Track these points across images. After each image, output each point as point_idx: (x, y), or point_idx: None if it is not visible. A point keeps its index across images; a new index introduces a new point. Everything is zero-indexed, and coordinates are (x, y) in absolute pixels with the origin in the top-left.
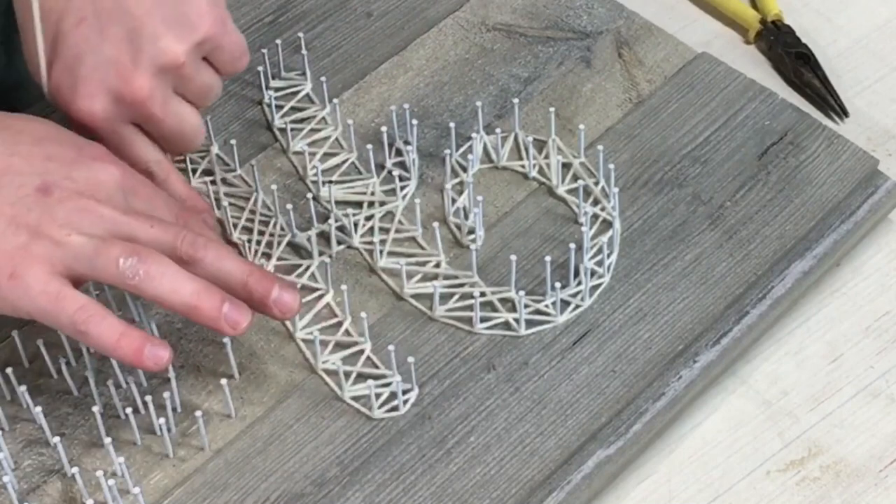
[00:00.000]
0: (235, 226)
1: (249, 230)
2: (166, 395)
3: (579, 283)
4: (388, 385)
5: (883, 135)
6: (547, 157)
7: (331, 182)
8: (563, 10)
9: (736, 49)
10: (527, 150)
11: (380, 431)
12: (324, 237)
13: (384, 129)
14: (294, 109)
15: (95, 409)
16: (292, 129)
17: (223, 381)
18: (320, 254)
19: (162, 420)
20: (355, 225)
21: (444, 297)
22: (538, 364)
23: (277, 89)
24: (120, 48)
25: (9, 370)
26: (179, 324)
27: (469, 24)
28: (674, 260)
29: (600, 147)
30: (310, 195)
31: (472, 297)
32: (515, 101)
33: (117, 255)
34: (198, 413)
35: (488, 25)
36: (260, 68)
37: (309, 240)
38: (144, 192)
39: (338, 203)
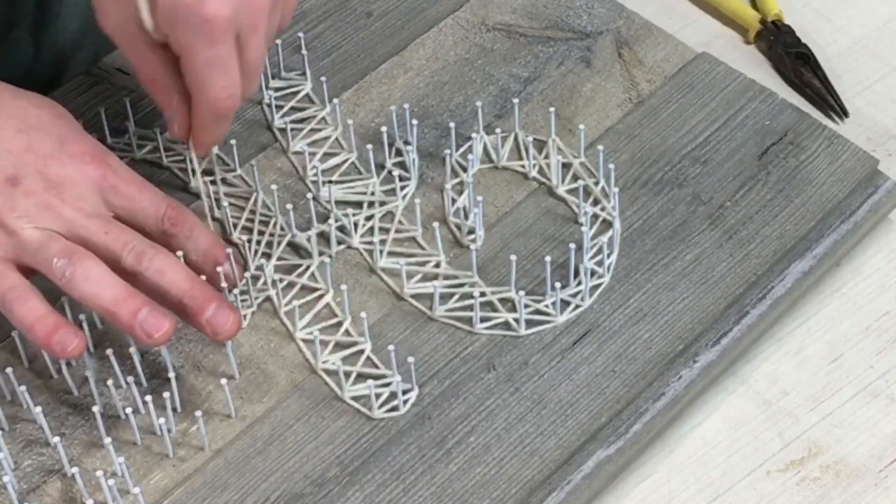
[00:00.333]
0: (235, 226)
1: (249, 230)
2: (166, 395)
3: (579, 283)
4: (388, 385)
5: (883, 135)
6: (547, 157)
7: (331, 182)
8: (563, 10)
9: (736, 49)
10: (527, 150)
11: (380, 431)
12: (324, 237)
13: (384, 129)
14: (294, 109)
15: (95, 409)
16: (292, 129)
17: (223, 381)
18: (320, 254)
19: (162, 420)
20: (355, 225)
21: (444, 297)
22: (538, 364)
23: (277, 89)
24: None
25: (9, 370)
26: (179, 324)
27: (469, 24)
28: (674, 260)
29: (600, 147)
30: (310, 195)
31: (471, 297)
32: (515, 101)
33: (53, 254)
34: (198, 413)
35: (488, 25)
36: None
37: (309, 240)
38: (127, 190)
39: (338, 203)
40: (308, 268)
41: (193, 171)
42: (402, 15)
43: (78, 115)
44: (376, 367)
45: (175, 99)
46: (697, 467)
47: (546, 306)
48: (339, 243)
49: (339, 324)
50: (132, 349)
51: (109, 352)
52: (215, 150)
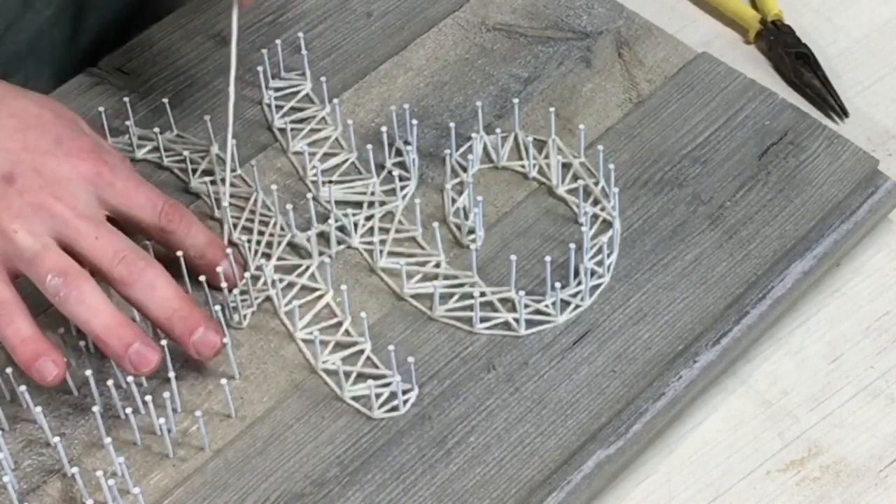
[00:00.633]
0: (235, 226)
1: (249, 230)
2: (166, 395)
3: (579, 283)
4: (387, 385)
5: (883, 135)
6: (547, 157)
7: (331, 182)
8: (563, 11)
9: (736, 49)
10: (527, 150)
11: (380, 431)
12: (323, 237)
13: (384, 129)
14: (294, 109)
15: (95, 409)
16: (292, 130)
17: (223, 381)
18: (320, 254)
19: (162, 420)
20: (355, 225)
21: (444, 297)
22: (538, 364)
23: (277, 89)
24: None
25: (9, 370)
26: None
27: (469, 24)
28: (674, 260)
29: (600, 147)
30: (309, 195)
31: (471, 297)
32: (515, 101)
33: (48, 270)
34: (198, 413)
35: (488, 25)
36: (260, 68)
37: (309, 240)
38: (122, 187)
39: (337, 203)
40: (308, 268)
41: (193, 171)
42: (402, 15)
43: (78, 115)
44: (376, 367)
45: None
46: (697, 467)
47: (546, 306)
48: (339, 243)
49: (339, 324)
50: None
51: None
52: (215, 150)
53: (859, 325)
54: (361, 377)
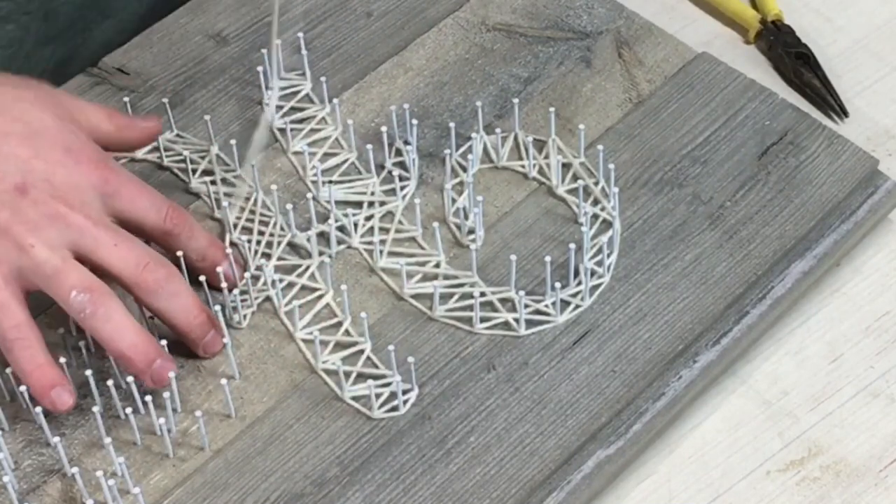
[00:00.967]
0: (235, 226)
1: (249, 230)
2: (166, 395)
3: (579, 283)
4: (387, 385)
5: (883, 135)
6: (547, 157)
7: (331, 182)
8: (563, 11)
9: (736, 49)
10: (527, 150)
11: (380, 431)
12: (323, 237)
13: (384, 129)
14: (294, 109)
15: (96, 409)
16: (292, 130)
17: (223, 381)
18: (320, 254)
19: (162, 420)
20: (355, 225)
21: (444, 297)
22: (538, 364)
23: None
24: None
25: (9, 370)
26: None
27: (469, 24)
28: (674, 260)
29: (600, 147)
30: (309, 195)
31: (471, 296)
32: (515, 101)
33: (71, 286)
34: (198, 413)
35: (488, 25)
36: (260, 68)
37: (309, 240)
38: (128, 193)
39: (337, 203)
40: (308, 268)
41: (193, 171)
42: (402, 15)
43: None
44: (376, 367)
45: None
46: (697, 467)
47: (546, 306)
48: (339, 243)
49: (339, 324)
50: None
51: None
52: (215, 150)
53: (859, 325)
54: (361, 377)
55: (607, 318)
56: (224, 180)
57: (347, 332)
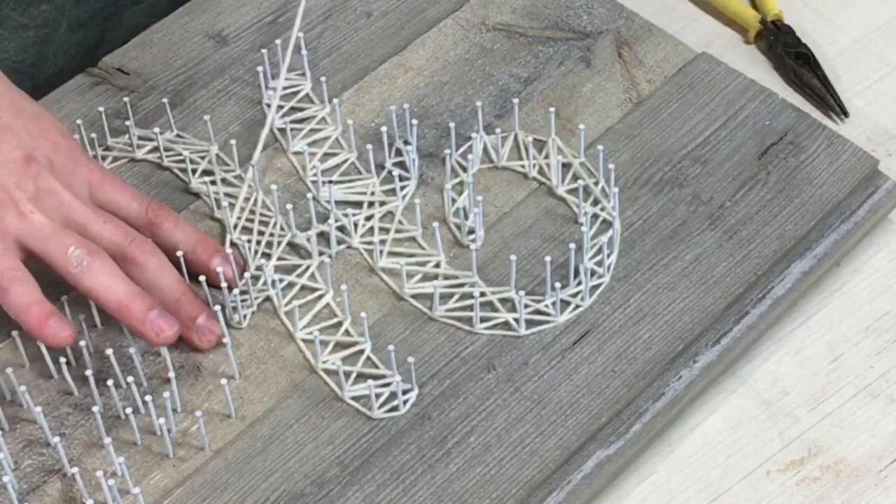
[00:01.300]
0: (235, 226)
1: (249, 230)
2: (166, 395)
3: (579, 283)
4: (387, 385)
5: (883, 135)
6: (547, 157)
7: (331, 182)
8: (563, 11)
9: (736, 49)
10: (527, 150)
11: (380, 431)
12: (323, 237)
13: (384, 128)
14: (294, 109)
15: (95, 409)
16: (292, 130)
17: (223, 381)
18: (320, 254)
19: (162, 420)
20: (355, 225)
21: (444, 297)
22: (538, 364)
23: (276, 88)
24: None
25: (9, 370)
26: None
27: (469, 24)
28: (674, 260)
29: (600, 147)
30: (310, 195)
31: (471, 296)
32: (515, 101)
33: (69, 244)
34: (198, 413)
35: (488, 25)
36: (260, 68)
37: (309, 240)
38: (112, 185)
39: (337, 203)
40: (308, 268)
41: (193, 171)
42: (402, 15)
43: (78, 115)
44: (376, 367)
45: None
46: (697, 467)
47: (546, 306)
48: (339, 243)
49: (339, 324)
50: (132, 349)
51: (109, 352)
52: (215, 150)
53: (859, 325)
54: (361, 377)
55: (607, 318)
56: (224, 180)
57: (347, 332)
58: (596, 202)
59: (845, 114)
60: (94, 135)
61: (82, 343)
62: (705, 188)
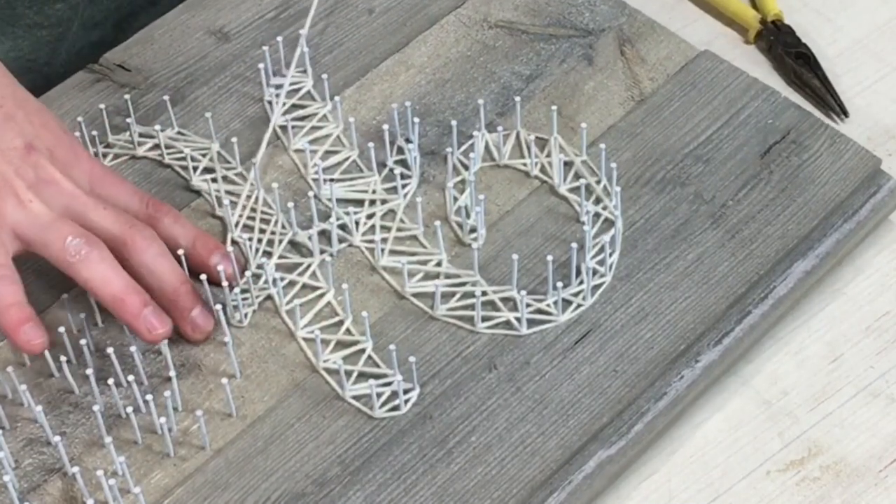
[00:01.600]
0: (237, 224)
1: (250, 228)
2: (167, 394)
3: (581, 283)
4: (389, 384)
5: (883, 134)
6: (549, 155)
7: (332, 180)
8: (565, 8)
9: (736, 49)
10: (529, 148)
11: (381, 431)
12: (325, 235)
13: (386, 127)
14: (295, 107)
15: (96, 408)
16: (293, 127)
17: (224, 380)
18: (321, 252)
19: (163, 419)
20: (356, 223)
21: (446, 296)
22: (539, 364)
23: (279, 86)
24: None
25: (9, 369)
26: None
27: (471, 20)
28: (676, 259)
29: (602, 146)
30: (311, 193)
31: (473, 296)
32: (517, 99)
33: (67, 233)
34: (199, 413)
35: (490, 22)
36: (262, 66)
37: (310, 238)
38: (111, 180)
39: (339, 201)
40: (309, 266)
41: (195, 168)
42: (403, 11)
43: (79, 112)
44: (377, 366)
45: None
46: (697, 467)
47: (548, 305)
48: (341, 241)
49: (341, 322)
50: (133, 348)
51: (110, 350)
52: (216, 147)
53: (859, 325)
54: (363, 376)
55: (609, 317)
56: (225, 178)
57: (349, 331)
58: (598, 201)
59: (845, 114)
60: (94, 132)
61: (83, 342)
62: (707, 187)
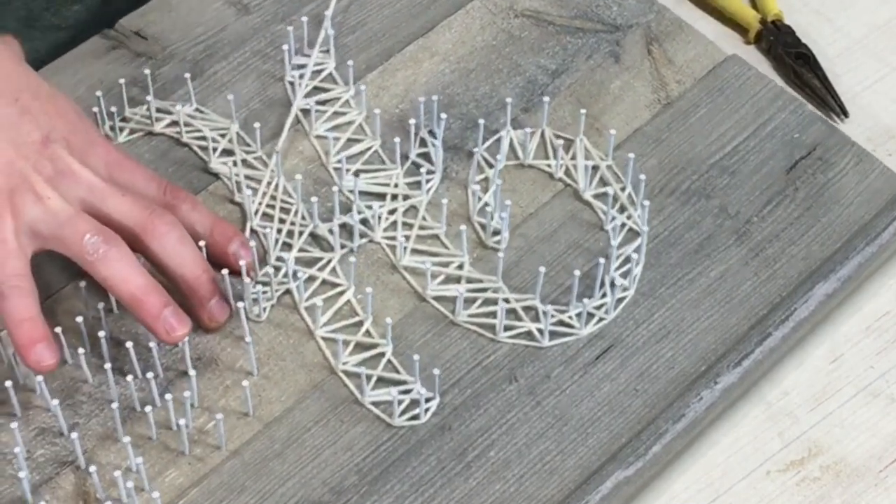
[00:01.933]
0: (256, 212)
1: (269, 217)
2: (186, 394)
3: (604, 295)
4: (408, 392)
5: (883, 135)
6: (574, 157)
7: (355, 173)
8: (592, 0)
9: (736, 49)
10: (554, 149)
11: (399, 440)
12: (345, 229)
13: (412, 122)
14: (317, 89)
15: (114, 405)
16: (315, 112)
17: (245, 382)
18: (342, 247)
19: (182, 421)
20: (377, 218)
21: (467, 302)
22: (560, 378)
23: (300, 66)
24: None
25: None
26: None
27: (497, 7)
28: (699, 275)
29: (631, 155)
30: (335, 188)
31: (495, 302)
32: (546, 100)
33: (85, 230)
34: (219, 416)
35: (516, 11)
36: (285, 47)
37: (331, 231)
38: (128, 166)
39: (360, 194)
40: (329, 261)
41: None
42: None
43: (93, 80)
44: (397, 371)
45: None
46: (698, 467)
47: (570, 318)
48: (361, 237)
49: (360, 323)
50: (151, 343)
51: (129, 345)
52: (236, 128)
53: (859, 325)
54: (381, 381)
55: (631, 333)
56: (244, 161)
57: (368, 333)
58: (622, 209)
59: (845, 114)
60: (113, 108)
61: (101, 334)
62: (732, 201)
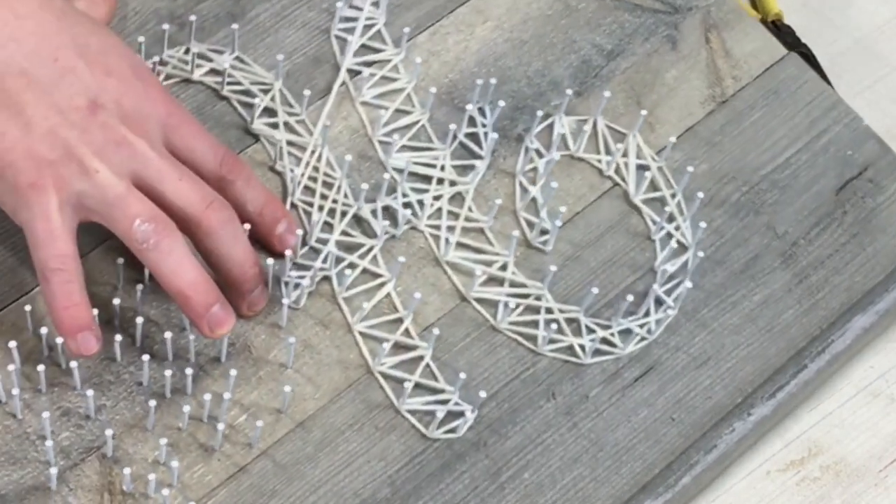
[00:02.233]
0: (299, 183)
1: (311, 191)
2: (227, 396)
3: (647, 314)
4: (445, 402)
5: (884, 134)
6: (625, 154)
7: (402, 149)
8: None
9: None
10: (606, 145)
11: (434, 453)
12: (387, 211)
13: (469, 106)
14: (365, 48)
15: (152, 403)
16: (361, 75)
17: (286, 388)
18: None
19: (221, 425)
20: (421, 203)
21: (508, 307)
22: (598, 399)
23: (347, 19)
24: None
25: (43, 330)
26: None
27: None
28: (743, 298)
29: (690, 169)
30: (385, 174)
31: (537, 310)
32: (607, 94)
33: (135, 215)
34: (259, 422)
35: None
36: (340, 3)
37: (374, 213)
38: (188, 130)
39: (402, 172)
40: (371, 249)
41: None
42: None
43: (133, 14)
44: (435, 378)
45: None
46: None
47: (612, 335)
48: (405, 223)
49: (399, 321)
50: (191, 336)
51: (168, 335)
52: (279, 85)
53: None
54: (418, 388)
55: (671, 356)
56: (286, 125)
57: (407, 332)
58: (671, 219)
59: None
60: (156, 57)
61: (139, 320)
62: (781, 220)
